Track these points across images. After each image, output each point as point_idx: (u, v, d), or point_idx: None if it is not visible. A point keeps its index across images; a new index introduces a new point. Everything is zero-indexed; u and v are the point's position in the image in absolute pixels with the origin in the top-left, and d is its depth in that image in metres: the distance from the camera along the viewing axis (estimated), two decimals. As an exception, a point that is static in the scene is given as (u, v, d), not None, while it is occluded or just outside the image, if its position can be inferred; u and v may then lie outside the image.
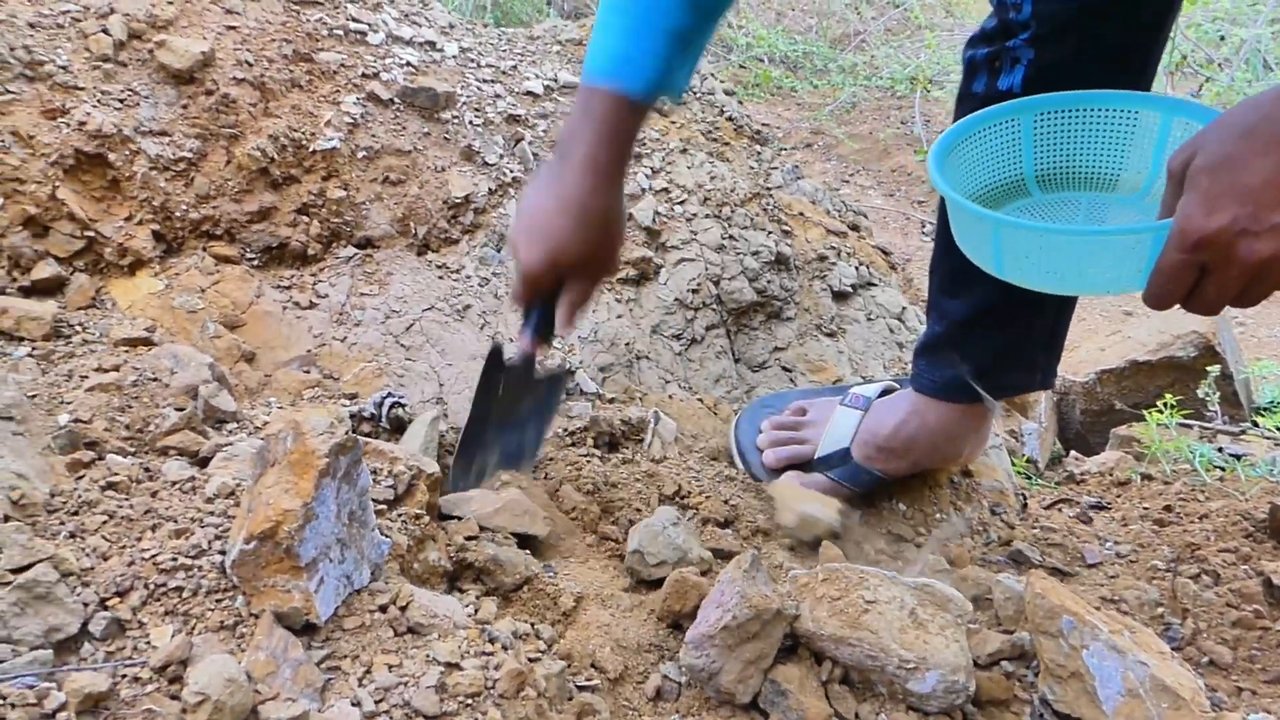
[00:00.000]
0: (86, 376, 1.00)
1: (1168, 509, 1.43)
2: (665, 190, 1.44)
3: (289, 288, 1.23)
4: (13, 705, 0.59)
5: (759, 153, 1.62)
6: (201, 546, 0.74)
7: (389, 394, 1.09)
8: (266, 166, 1.22)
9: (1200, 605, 1.08)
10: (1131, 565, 1.23)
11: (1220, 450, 1.64)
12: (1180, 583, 1.12)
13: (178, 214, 1.20)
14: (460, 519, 0.98)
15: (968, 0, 4.65)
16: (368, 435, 1.07)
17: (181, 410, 0.96)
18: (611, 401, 1.26)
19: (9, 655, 0.63)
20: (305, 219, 1.26)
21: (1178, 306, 0.78)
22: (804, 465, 1.20)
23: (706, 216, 1.44)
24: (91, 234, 1.15)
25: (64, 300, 1.13)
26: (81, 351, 1.06)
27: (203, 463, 0.90)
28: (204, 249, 1.22)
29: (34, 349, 1.04)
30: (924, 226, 3.06)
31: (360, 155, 1.30)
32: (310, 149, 1.26)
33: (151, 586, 0.70)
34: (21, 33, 1.16)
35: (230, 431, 0.99)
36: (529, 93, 1.47)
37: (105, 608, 0.68)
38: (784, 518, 1.11)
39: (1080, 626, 0.84)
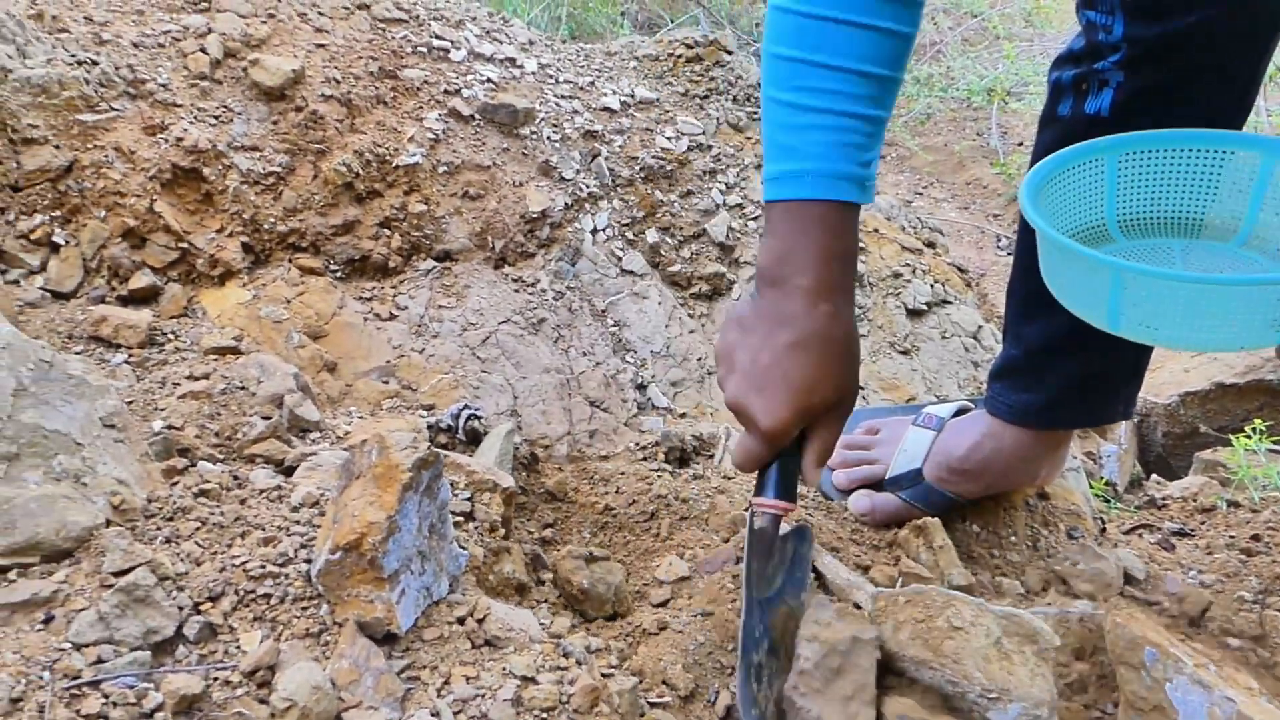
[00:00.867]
0: (178, 384, 1.04)
1: (1255, 538, 1.38)
2: (739, 206, 1.44)
3: (370, 299, 1.27)
4: (114, 704, 0.62)
5: (834, 168, 1.61)
6: (288, 555, 0.76)
7: (465, 406, 1.11)
8: (351, 181, 1.26)
9: (1292, 640, 1.04)
10: (1217, 595, 1.19)
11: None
12: (1269, 615, 1.08)
13: (266, 226, 1.24)
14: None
15: (1048, 10, 4.56)
16: (444, 446, 1.09)
17: (268, 419, 0.99)
18: (683, 417, 1.27)
19: (111, 655, 0.66)
20: (387, 232, 1.29)
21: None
22: (875, 485, 1.18)
23: (780, 232, 1.44)
24: (185, 245, 1.19)
25: (158, 309, 1.17)
26: (174, 359, 1.10)
27: (288, 471, 0.93)
28: (290, 261, 1.25)
29: (130, 356, 1.08)
30: (999, 240, 3.00)
31: (441, 170, 1.32)
32: (393, 164, 1.29)
33: (241, 593, 0.73)
34: (126, 52, 1.22)
35: (314, 440, 1.02)
36: (606, 108, 1.49)
37: (199, 612, 0.71)
38: None
39: (1163, 659, 0.82)
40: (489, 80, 1.43)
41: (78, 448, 0.79)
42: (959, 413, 1.22)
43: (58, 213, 1.15)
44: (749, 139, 1.53)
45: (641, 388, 1.27)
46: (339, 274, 1.28)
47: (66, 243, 1.15)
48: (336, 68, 1.32)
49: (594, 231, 1.36)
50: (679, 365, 1.31)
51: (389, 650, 0.73)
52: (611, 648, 0.87)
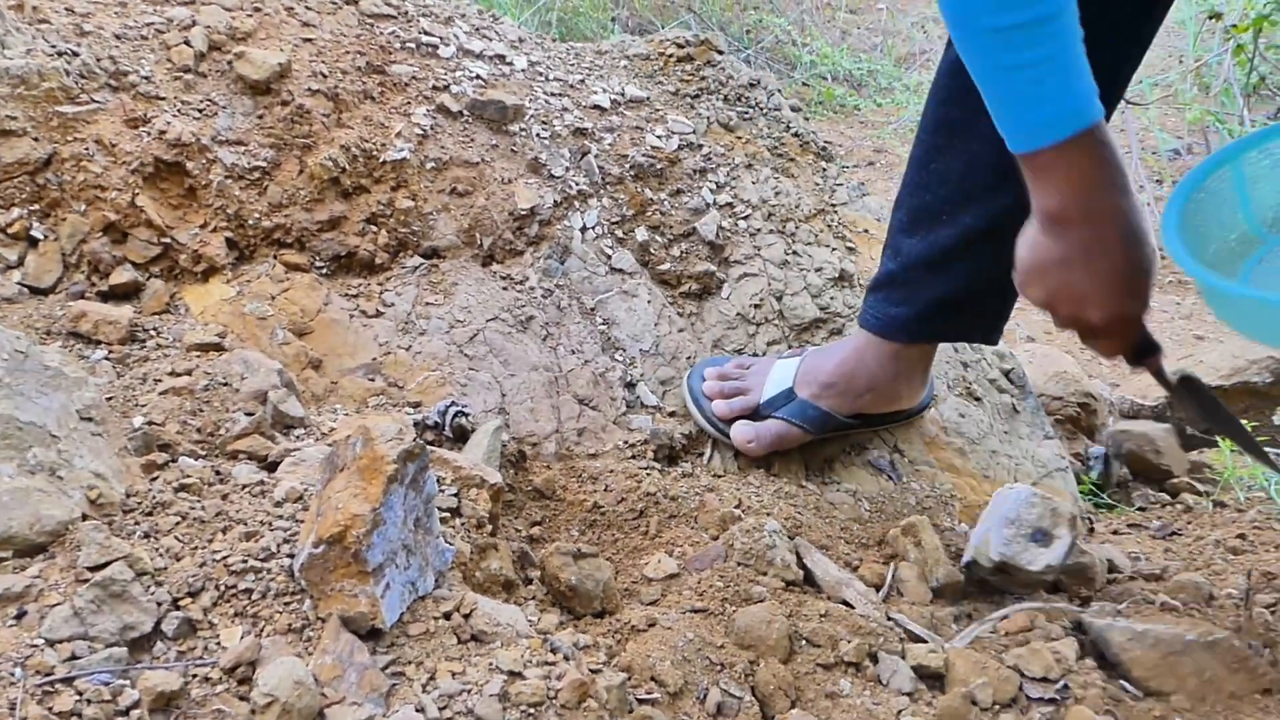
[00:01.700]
0: (160, 380, 1.02)
1: (1241, 537, 1.38)
2: (730, 205, 1.44)
3: (356, 296, 1.25)
4: (89, 701, 0.60)
5: (824, 169, 1.60)
6: (271, 549, 0.75)
7: (452, 403, 1.10)
8: (338, 176, 1.24)
9: (1276, 634, 1.04)
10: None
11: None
12: (1256, 613, 1.08)
13: (250, 222, 1.22)
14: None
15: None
16: (431, 443, 1.08)
17: (251, 415, 0.98)
18: (672, 415, 1.25)
19: (86, 652, 0.64)
20: (374, 228, 1.27)
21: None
22: (753, 415, 1.21)
23: (770, 232, 1.43)
24: (168, 240, 1.18)
25: (139, 305, 1.15)
26: (156, 356, 1.08)
27: (271, 467, 0.91)
28: (275, 257, 1.24)
29: (110, 352, 1.07)
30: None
31: (429, 166, 1.31)
32: (380, 159, 1.27)
33: (222, 588, 0.71)
34: (108, 44, 1.20)
35: (298, 437, 1.01)
36: (596, 106, 1.48)
37: (177, 607, 0.69)
38: None
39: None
40: (478, 77, 1.42)
41: (53, 440, 0.77)
42: None
43: (36, 206, 1.13)
44: (739, 138, 1.52)
45: (630, 386, 1.26)
46: (325, 270, 1.26)
47: (45, 237, 1.13)
48: (323, 62, 1.31)
49: (583, 229, 1.35)
50: (668, 364, 1.30)
51: (373, 645, 0.71)
52: (600, 644, 0.85)
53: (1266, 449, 1.36)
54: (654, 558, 1.03)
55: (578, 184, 1.38)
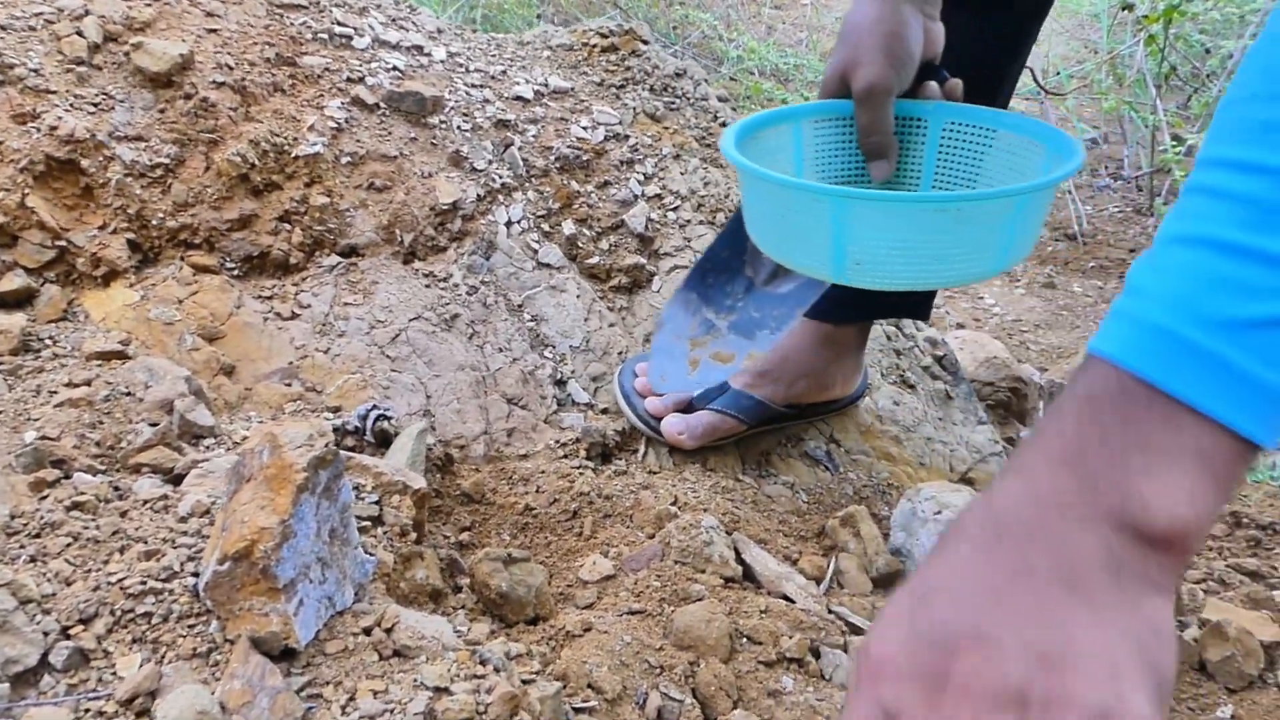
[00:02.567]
0: (56, 392, 0.95)
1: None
2: (658, 196, 1.41)
3: (270, 298, 1.19)
4: (-36, 743, 0.55)
5: (752, 158, 1.58)
6: (173, 569, 0.70)
7: (374, 406, 1.05)
8: (247, 173, 1.18)
9: (1199, 604, 1.05)
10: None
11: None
12: (1187, 589, 1.08)
13: (154, 222, 1.15)
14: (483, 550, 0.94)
15: (955, 10, 4.65)
16: (352, 449, 1.03)
17: (155, 425, 0.92)
18: (605, 412, 1.22)
19: (-38, 688, 0.59)
20: (287, 227, 1.22)
21: None
22: (687, 409, 1.19)
23: (700, 223, 1.41)
24: (63, 244, 1.11)
25: (34, 313, 1.08)
26: (51, 366, 1.01)
27: (177, 480, 0.86)
28: (182, 259, 1.17)
29: (0, 364, 0.99)
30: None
31: (344, 161, 1.26)
32: (293, 154, 1.22)
33: (118, 613, 0.66)
34: (-9, 36, 1.13)
35: (208, 447, 0.95)
36: (519, 98, 1.44)
37: (67, 636, 0.64)
38: None
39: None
40: (395, 68, 1.37)
41: (-71, 459, 0.71)
42: None
43: (-83, 209, 1.06)
44: (666, 129, 1.50)
45: (561, 383, 1.22)
46: (236, 272, 1.20)
47: (-73, 241, 1.06)
48: (230, 54, 1.24)
49: (508, 224, 1.31)
50: (599, 360, 1.26)
51: (287, 667, 0.67)
52: (534, 653, 0.82)
53: None
54: (589, 559, 1.00)
55: (501, 177, 1.33)
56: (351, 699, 0.65)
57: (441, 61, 1.44)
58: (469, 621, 0.86)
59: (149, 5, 1.24)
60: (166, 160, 1.16)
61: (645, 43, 1.58)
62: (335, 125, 1.26)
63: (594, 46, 1.56)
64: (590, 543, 1.04)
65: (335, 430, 1.05)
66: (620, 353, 1.28)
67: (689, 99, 1.55)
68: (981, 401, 1.68)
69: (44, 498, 0.76)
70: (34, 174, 1.09)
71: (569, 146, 1.39)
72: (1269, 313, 0.42)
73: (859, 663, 0.46)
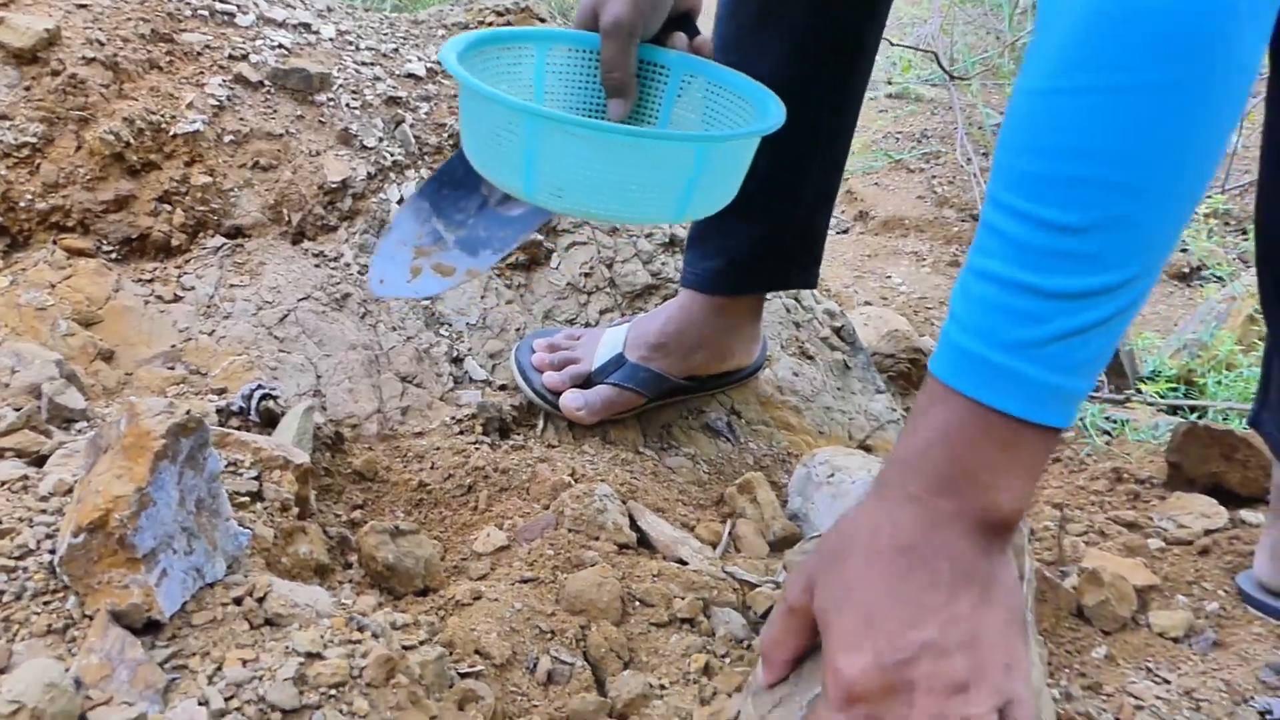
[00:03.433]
0: (-85, 377, 0.91)
1: (1055, 461, 1.45)
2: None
3: (151, 281, 1.16)
4: None
5: (651, 136, 1.59)
6: (29, 546, 0.67)
7: (259, 385, 1.03)
8: (121, 152, 1.15)
9: (1080, 554, 1.09)
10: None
11: (1108, 419, 1.67)
12: (1069, 542, 1.12)
13: (22, 204, 1.11)
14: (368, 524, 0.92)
15: None
16: (237, 430, 1.01)
17: (20, 410, 0.89)
18: (503, 389, 1.21)
19: None
20: (167, 208, 1.18)
21: None
22: (585, 385, 1.19)
23: (597, 199, 1.41)
24: (-76, 226, 1.06)
25: (-107, 299, 1.04)
26: (-87, 353, 0.97)
27: (41, 462, 0.82)
28: (54, 242, 1.13)
29: None
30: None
31: (227, 140, 1.23)
32: (171, 133, 1.18)
33: (-33, 591, 0.63)
34: None
35: (79, 431, 0.92)
36: (411, 75, 1.42)
37: (-89, 615, 0.61)
38: None
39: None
40: (281, 46, 1.34)
41: None
42: None
43: None
44: (562, 106, 1.49)
45: (457, 361, 1.21)
46: (114, 255, 1.16)
47: None
48: (101, 29, 1.20)
49: (400, 202, 1.29)
50: (497, 336, 1.25)
51: (151, 640, 0.65)
52: (421, 622, 0.81)
53: None
54: (483, 532, 0.99)
55: (393, 155, 1.32)
56: (219, 668, 0.64)
57: (330, 39, 1.41)
58: (355, 594, 0.85)
59: (13, -20, 1.19)
60: (34, 139, 1.12)
61: (542, 20, 1.58)
62: (217, 103, 1.23)
63: (489, 24, 1.55)
64: (485, 516, 1.03)
65: (219, 411, 1.02)
66: (518, 329, 1.27)
67: (585, 77, 1.55)
68: (883, 373, 1.72)
69: (-110, 480, 0.73)
70: (-112, 154, 1.04)
71: (462, 124, 1.37)
72: (1045, 334, 0.57)
73: (834, 683, 0.61)
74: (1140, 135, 0.54)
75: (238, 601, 0.69)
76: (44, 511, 0.72)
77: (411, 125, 1.35)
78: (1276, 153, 0.91)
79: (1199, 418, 1.61)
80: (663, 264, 1.40)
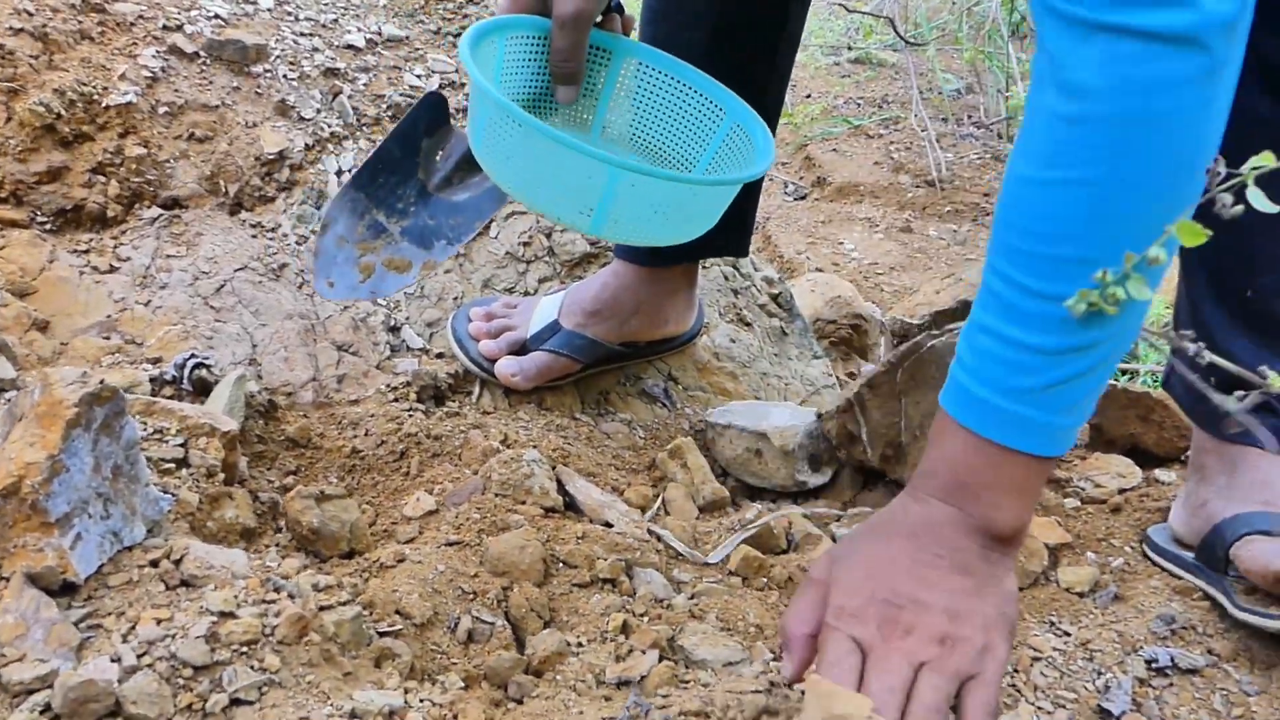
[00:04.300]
0: None
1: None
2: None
3: (86, 252, 1.17)
4: None
5: (594, 106, 1.60)
6: (-53, 511, 0.69)
7: (192, 355, 1.04)
8: (53, 123, 1.15)
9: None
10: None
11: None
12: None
13: (-46, 176, 1.12)
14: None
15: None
16: (170, 399, 1.02)
17: (-51, 378, 0.90)
18: (440, 357, 1.23)
19: None
20: (102, 179, 1.19)
21: None
22: (520, 351, 1.21)
23: (537, 169, 1.42)
24: None
25: None
26: None
27: (-32, 430, 0.84)
28: (-13, 213, 1.14)
29: None
30: (787, 187, 3.11)
31: (162, 111, 1.23)
32: (103, 104, 1.19)
33: (-116, 556, 0.65)
34: None
35: (8, 400, 0.93)
36: (350, 46, 1.43)
37: None
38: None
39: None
40: (216, 16, 1.34)
41: None
42: None
43: None
44: (502, 76, 1.50)
45: (395, 330, 1.23)
46: (48, 226, 1.17)
47: None
48: None
49: (339, 173, 1.30)
50: (434, 305, 1.27)
51: (68, 601, 0.67)
52: (344, 584, 0.83)
53: None
54: (413, 497, 1.02)
55: (330, 126, 1.33)
56: (133, 628, 0.66)
57: (268, 10, 1.41)
58: (280, 558, 0.87)
59: (-60, -51, 1.19)
60: (-37, 111, 1.12)
61: (484, -9, 1.58)
62: (150, 74, 1.23)
63: (431, -6, 1.55)
64: (416, 482, 1.05)
65: (153, 380, 1.04)
66: (455, 298, 1.29)
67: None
68: (825, 339, 1.76)
69: None
70: None
71: (402, 95, 1.38)
72: (1037, 382, 0.67)
73: (831, 612, 0.70)
74: (1106, 219, 0.63)
75: (154, 564, 0.71)
76: (-35, 479, 0.73)
77: (350, 96, 1.36)
78: None
79: (1129, 379, 1.66)
80: (602, 233, 1.42)
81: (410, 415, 1.12)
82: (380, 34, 1.47)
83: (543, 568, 0.93)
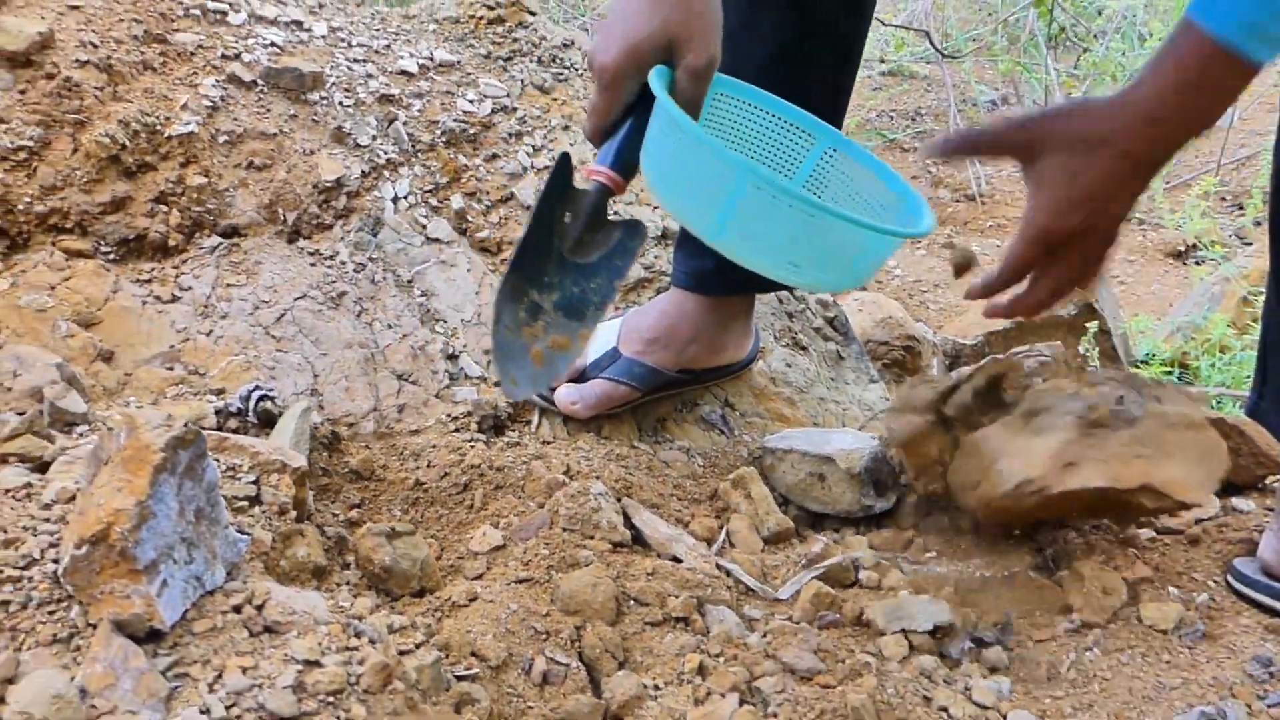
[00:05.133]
0: (-83, 384, 0.93)
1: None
2: (548, 168, 1.41)
3: (149, 281, 1.17)
4: None
5: (645, 128, 1.59)
6: (33, 556, 0.69)
7: (256, 386, 1.04)
8: (117, 154, 1.15)
9: (1074, 548, 1.10)
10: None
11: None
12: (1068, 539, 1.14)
13: (20, 207, 1.12)
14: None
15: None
16: (235, 431, 1.02)
17: (23, 414, 0.90)
18: (498, 385, 1.23)
19: None
20: (164, 208, 1.19)
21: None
22: (579, 378, 1.20)
23: (591, 193, 1.41)
24: (-78, 231, 1.07)
25: (-107, 304, 1.05)
26: (-86, 358, 0.98)
27: (44, 468, 0.84)
28: (53, 244, 1.14)
29: None
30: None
31: (221, 140, 1.23)
32: (166, 134, 1.19)
33: (-27, 602, 0.65)
34: None
35: (80, 435, 0.93)
36: (403, 72, 1.43)
37: (-81, 628, 0.63)
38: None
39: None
40: (273, 44, 1.34)
41: None
42: None
43: None
44: (554, 100, 1.50)
45: (453, 358, 1.23)
46: (112, 256, 1.17)
47: None
48: (94, 31, 1.21)
49: (395, 199, 1.30)
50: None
51: (154, 648, 0.66)
52: (418, 625, 0.82)
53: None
54: (479, 531, 1.01)
55: (386, 153, 1.32)
56: (219, 676, 0.65)
57: (322, 37, 1.41)
58: (352, 597, 0.87)
59: (5, -18, 1.19)
60: (30, 142, 1.12)
61: (532, 14, 1.58)
62: (210, 103, 1.24)
63: (480, 19, 1.55)
64: (481, 514, 1.04)
65: (218, 413, 1.03)
66: (513, 325, 1.28)
67: (577, 70, 1.55)
68: (877, 361, 1.73)
69: (-104, 492, 0.74)
70: (-116, 160, 1.04)
71: (455, 120, 1.38)
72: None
73: (1032, 224, 0.87)
74: None
75: (237, 609, 0.70)
76: (48, 520, 0.73)
77: (404, 123, 1.36)
78: None
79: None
80: (655, 257, 1.41)
81: (472, 446, 1.11)
82: (432, 59, 1.47)
83: (614, 606, 0.91)
